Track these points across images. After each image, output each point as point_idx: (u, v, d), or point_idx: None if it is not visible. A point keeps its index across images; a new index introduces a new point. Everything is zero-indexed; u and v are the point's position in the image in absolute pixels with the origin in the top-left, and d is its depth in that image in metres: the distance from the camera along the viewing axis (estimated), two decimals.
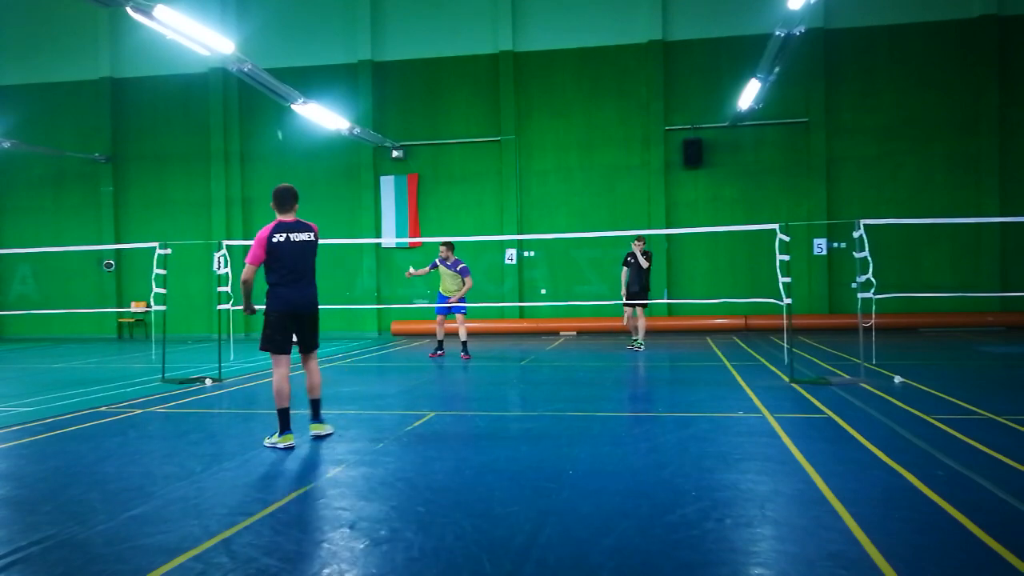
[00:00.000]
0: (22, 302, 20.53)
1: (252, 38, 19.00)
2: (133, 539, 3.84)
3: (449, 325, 13.08)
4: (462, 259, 12.74)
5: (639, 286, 13.34)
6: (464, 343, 12.77)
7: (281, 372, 5.90)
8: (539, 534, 3.79)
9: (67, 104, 21.00)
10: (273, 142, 20.04)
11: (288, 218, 5.98)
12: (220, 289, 10.29)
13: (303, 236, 5.94)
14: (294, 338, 6.05)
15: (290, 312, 5.91)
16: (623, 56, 18.65)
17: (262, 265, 5.92)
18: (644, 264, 13.26)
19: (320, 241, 6.19)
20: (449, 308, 12.58)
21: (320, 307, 6.32)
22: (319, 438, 6.13)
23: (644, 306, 13.65)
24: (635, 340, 13.83)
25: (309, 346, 6.17)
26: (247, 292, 5.96)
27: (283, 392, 5.86)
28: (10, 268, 21.18)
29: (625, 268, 13.49)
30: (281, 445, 5.78)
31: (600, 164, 18.84)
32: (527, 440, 6.11)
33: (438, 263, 12.62)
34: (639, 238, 13.60)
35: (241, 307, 6.09)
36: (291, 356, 6.05)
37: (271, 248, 5.83)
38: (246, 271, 5.86)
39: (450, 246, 12.58)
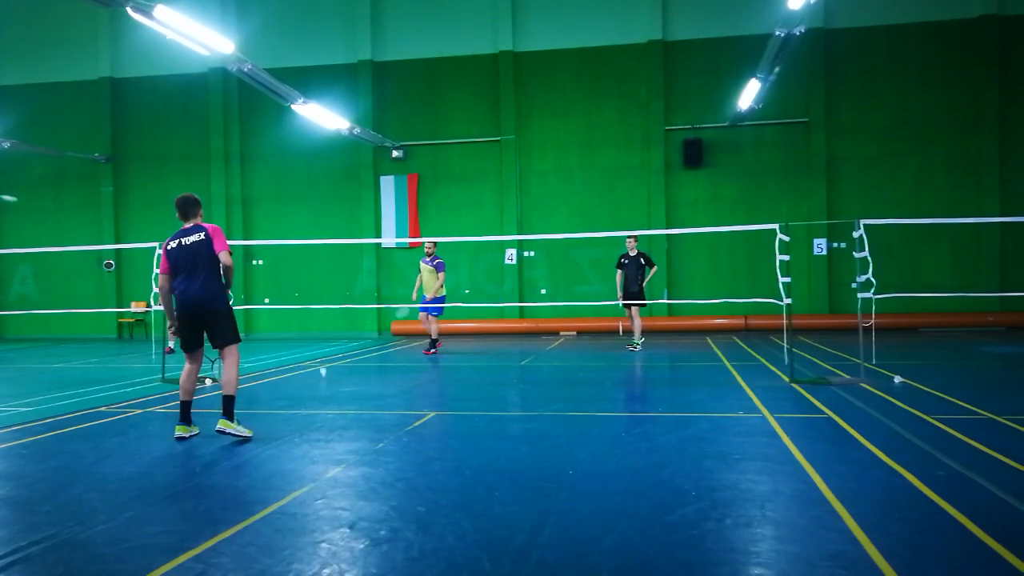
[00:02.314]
0: (22, 302, 20.53)
1: (252, 38, 19.01)
2: (133, 539, 3.83)
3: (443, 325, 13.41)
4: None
5: (637, 286, 13.35)
6: (433, 340, 13.17)
7: (185, 369, 6.32)
8: (539, 534, 3.79)
9: (67, 104, 21.01)
10: (273, 142, 20.04)
11: (187, 224, 6.33)
12: None
13: (194, 237, 6.22)
14: (205, 337, 6.40)
15: (186, 312, 6.21)
16: (623, 56, 18.65)
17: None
18: (651, 270, 13.37)
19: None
20: (427, 308, 13.01)
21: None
22: (223, 433, 6.11)
23: (641, 306, 13.67)
24: (634, 340, 13.82)
25: (216, 341, 6.33)
26: (164, 302, 6.39)
27: (185, 387, 6.29)
28: (10, 268, 21.19)
29: (620, 271, 13.47)
30: (181, 435, 6.23)
31: (600, 164, 18.85)
32: (527, 440, 6.11)
33: (421, 263, 13.06)
34: (633, 237, 13.62)
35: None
36: (199, 354, 6.41)
37: (168, 256, 6.24)
38: (159, 280, 6.35)
39: (434, 244, 13.24)
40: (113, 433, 6.69)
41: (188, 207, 6.33)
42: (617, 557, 3.47)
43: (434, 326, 13.16)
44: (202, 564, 3.47)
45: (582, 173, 18.95)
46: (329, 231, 19.20)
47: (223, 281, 6.31)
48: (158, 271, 6.34)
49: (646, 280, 13.43)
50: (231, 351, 6.32)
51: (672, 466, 5.10)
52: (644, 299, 13.60)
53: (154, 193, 20.66)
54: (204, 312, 6.20)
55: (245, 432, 6.16)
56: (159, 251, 10.67)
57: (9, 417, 7.55)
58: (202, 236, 6.21)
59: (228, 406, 6.19)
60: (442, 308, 13.19)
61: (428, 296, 12.99)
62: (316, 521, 4.07)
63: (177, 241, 6.23)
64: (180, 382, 6.33)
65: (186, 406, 6.26)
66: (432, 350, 13.22)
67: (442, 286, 12.96)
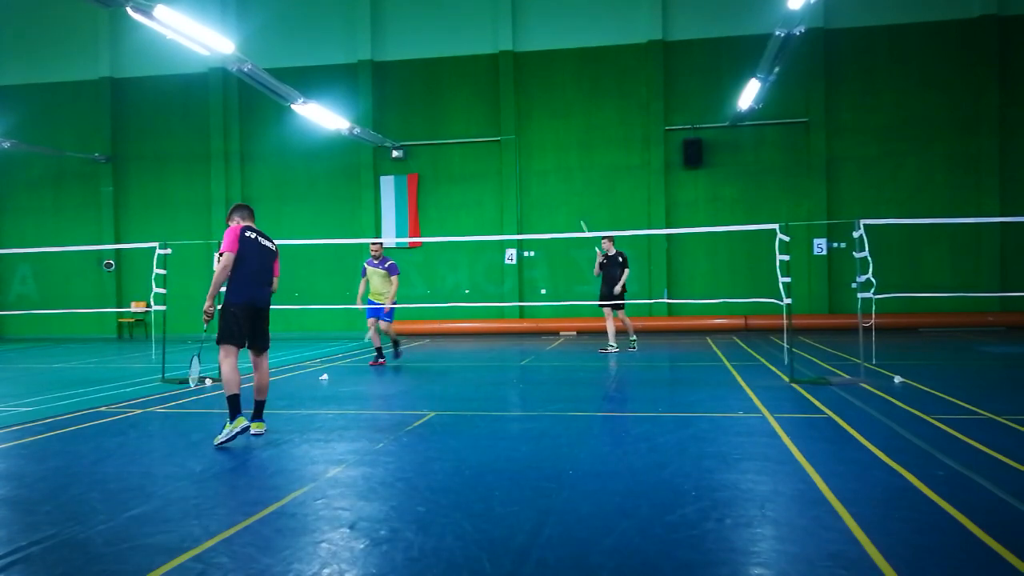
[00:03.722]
0: (22, 302, 20.53)
1: (252, 38, 19.00)
2: (133, 539, 3.83)
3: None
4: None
5: (620, 287, 13.14)
6: (396, 341, 12.04)
7: (230, 362, 6.08)
8: (539, 534, 3.79)
9: (67, 104, 21.01)
10: (273, 142, 20.02)
11: (254, 225, 6.43)
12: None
13: (267, 243, 6.39)
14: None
15: (249, 305, 6.15)
16: (623, 56, 18.65)
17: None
18: (626, 272, 13.12)
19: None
20: (377, 313, 11.68)
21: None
22: (257, 435, 6.21)
23: (621, 307, 13.46)
24: (631, 340, 13.71)
25: (261, 345, 6.32)
26: (222, 282, 6.15)
27: (232, 381, 6.03)
28: (10, 268, 21.18)
29: (602, 272, 13.29)
30: (237, 429, 5.93)
31: (600, 164, 18.84)
32: (527, 440, 6.11)
33: (367, 266, 11.71)
34: (608, 238, 13.28)
35: (205, 310, 6.34)
36: (240, 351, 6.25)
37: (243, 242, 6.14)
38: (227, 258, 6.07)
39: (381, 245, 12.22)
40: (113, 433, 6.68)
41: (248, 213, 6.47)
42: (617, 557, 3.47)
43: (391, 330, 11.85)
44: (202, 564, 3.47)
45: (582, 173, 18.95)
46: (329, 231, 19.19)
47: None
48: (225, 250, 6.07)
49: (620, 282, 13.10)
50: (266, 356, 6.40)
51: (672, 466, 5.10)
52: (623, 299, 13.39)
53: (154, 193, 20.68)
54: (262, 315, 6.29)
55: (265, 428, 6.39)
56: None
57: (9, 417, 7.55)
58: (275, 248, 6.46)
59: (261, 410, 6.33)
60: (393, 311, 11.86)
61: (380, 301, 11.62)
62: (316, 521, 4.07)
63: (256, 235, 6.27)
64: (227, 376, 6.03)
65: (238, 399, 6.05)
66: (396, 354, 12.14)
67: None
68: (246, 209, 6.50)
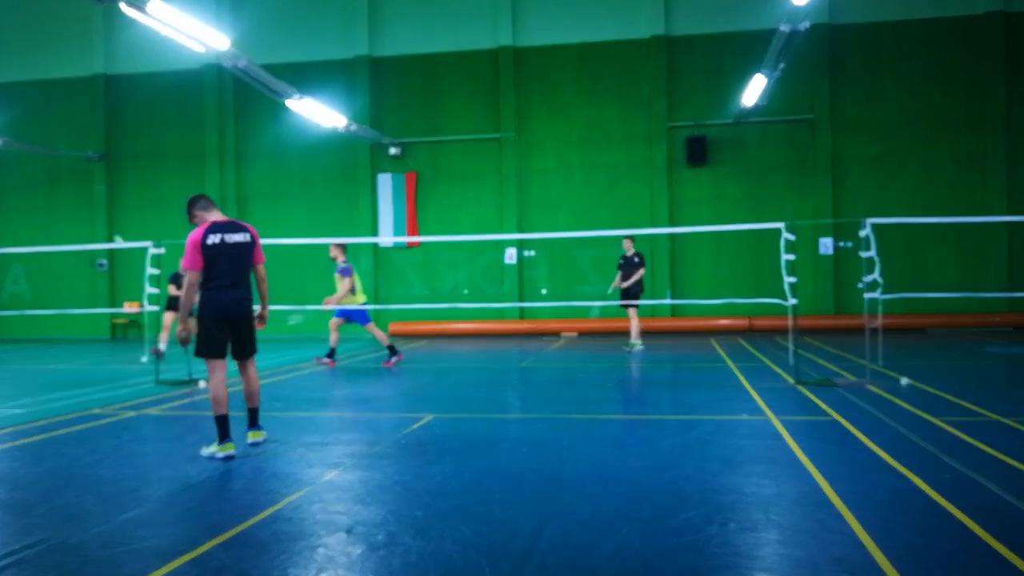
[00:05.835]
0: (15, 302, 20.42)
1: (247, 34, 18.86)
2: (128, 542, 3.80)
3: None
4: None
5: (636, 286, 13.19)
6: (390, 347, 11.93)
7: (218, 378, 5.60)
8: (539, 538, 3.74)
9: (60, 101, 20.88)
10: (269, 139, 19.88)
11: (220, 218, 5.78)
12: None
13: (238, 237, 5.70)
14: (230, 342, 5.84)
15: (222, 317, 5.64)
16: (625, 52, 18.56)
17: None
18: (640, 271, 13.18)
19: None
20: (348, 315, 11.78)
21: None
22: (255, 445, 5.86)
23: (634, 306, 13.48)
24: (630, 342, 13.64)
25: (245, 352, 5.86)
26: (190, 302, 5.63)
27: (221, 399, 5.56)
28: (2, 268, 21.08)
29: (620, 272, 13.34)
30: (220, 454, 5.50)
31: (601, 162, 18.75)
32: (527, 443, 6.05)
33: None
34: (629, 238, 13.43)
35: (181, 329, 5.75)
36: (227, 360, 5.77)
37: (206, 251, 5.56)
38: (190, 277, 5.57)
39: (341, 247, 11.91)
40: (108, 435, 6.63)
41: (206, 201, 5.84)
42: (619, 561, 3.43)
43: (376, 333, 11.86)
44: (197, 568, 3.44)
45: (583, 171, 18.86)
46: (326, 230, 19.02)
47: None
48: (187, 267, 5.54)
49: (630, 281, 13.11)
50: (253, 360, 5.99)
51: (675, 469, 5.05)
52: (634, 300, 13.33)
53: (148, 192, 20.52)
54: (244, 321, 5.77)
55: (265, 434, 6.07)
56: (150, 248, 10.59)
57: (2, 419, 7.50)
58: (247, 238, 5.74)
59: (256, 417, 5.98)
60: (353, 313, 11.77)
61: (346, 303, 11.70)
62: (312, 525, 4.03)
63: (220, 237, 5.58)
64: (215, 394, 5.57)
65: (226, 419, 5.58)
66: (392, 360, 11.85)
67: (352, 293, 11.59)
68: (204, 199, 5.85)
